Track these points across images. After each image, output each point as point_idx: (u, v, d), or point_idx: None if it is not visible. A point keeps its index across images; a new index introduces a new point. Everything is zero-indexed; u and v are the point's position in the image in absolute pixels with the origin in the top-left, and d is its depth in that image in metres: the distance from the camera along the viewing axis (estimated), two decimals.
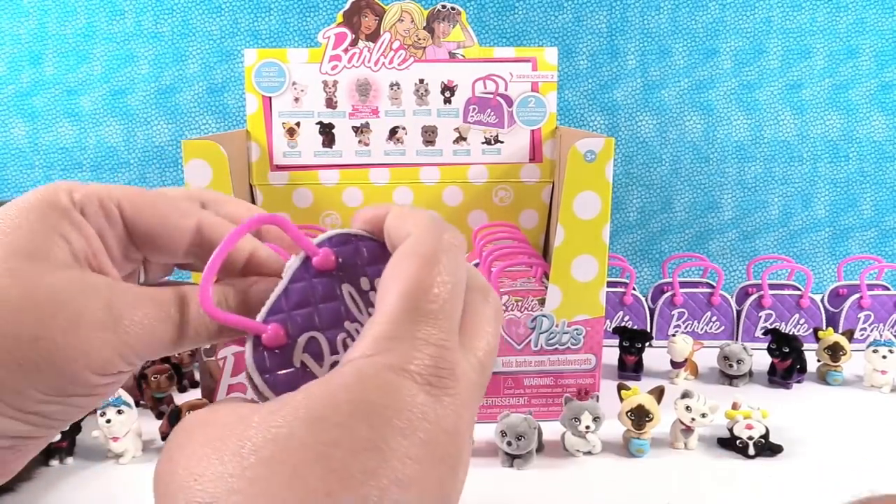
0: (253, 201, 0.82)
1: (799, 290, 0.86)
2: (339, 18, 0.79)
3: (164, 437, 0.63)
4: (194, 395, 0.64)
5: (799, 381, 0.77)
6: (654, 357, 0.81)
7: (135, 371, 0.24)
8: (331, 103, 0.81)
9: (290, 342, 0.24)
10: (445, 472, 0.18)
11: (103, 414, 0.58)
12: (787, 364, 0.75)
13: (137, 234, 0.25)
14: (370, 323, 0.21)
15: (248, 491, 0.17)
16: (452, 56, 0.81)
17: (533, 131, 0.82)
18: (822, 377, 0.78)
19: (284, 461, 0.17)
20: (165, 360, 0.69)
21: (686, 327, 0.86)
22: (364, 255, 0.25)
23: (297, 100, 0.81)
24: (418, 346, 0.20)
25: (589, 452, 0.61)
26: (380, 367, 0.19)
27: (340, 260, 0.25)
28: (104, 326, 0.21)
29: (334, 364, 0.24)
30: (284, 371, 0.23)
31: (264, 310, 0.24)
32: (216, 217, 0.26)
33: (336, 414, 0.18)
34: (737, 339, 0.86)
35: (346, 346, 0.24)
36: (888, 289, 0.88)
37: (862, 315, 0.85)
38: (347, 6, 0.79)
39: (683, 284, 0.88)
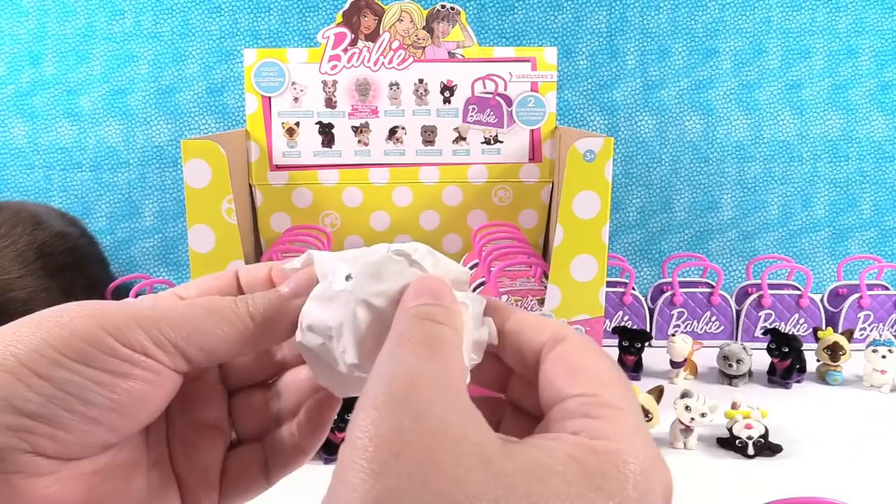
0: (252, 201, 0.82)
1: (798, 289, 0.86)
2: (339, 18, 0.80)
3: None
4: None
5: (798, 381, 0.77)
6: (653, 357, 0.81)
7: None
8: (330, 103, 0.81)
9: None
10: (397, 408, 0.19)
11: None
12: (786, 364, 0.75)
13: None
14: None
15: None
16: (452, 56, 0.81)
17: (532, 131, 0.83)
18: (822, 377, 0.78)
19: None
20: None
21: (685, 327, 0.86)
22: None
23: (296, 100, 0.81)
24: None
25: None
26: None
27: None
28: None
29: None
30: None
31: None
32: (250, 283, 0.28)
33: None
34: (736, 339, 0.86)
35: None
36: (888, 288, 0.88)
37: (861, 315, 0.85)
38: (347, 6, 0.79)
39: (683, 284, 0.88)
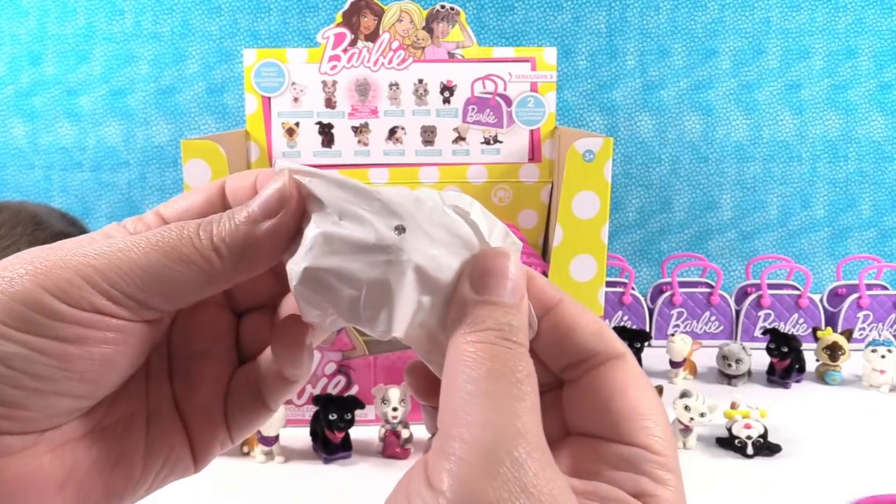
0: None
1: (798, 289, 0.86)
2: (339, 18, 0.80)
3: None
4: None
5: (798, 381, 0.77)
6: (653, 357, 0.81)
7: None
8: (330, 103, 0.81)
9: None
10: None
11: None
12: (785, 364, 0.76)
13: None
14: None
15: None
16: (451, 56, 0.81)
17: (532, 131, 0.83)
18: (821, 377, 0.78)
19: None
20: None
21: (685, 327, 0.87)
22: None
23: (296, 100, 0.81)
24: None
25: None
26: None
27: None
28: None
29: None
30: None
31: None
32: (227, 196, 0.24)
33: None
34: (736, 339, 0.86)
35: None
36: (887, 288, 0.88)
37: (861, 315, 0.85)
38: (347, 6, 0.79)
39: (682, 284, 0.88)
